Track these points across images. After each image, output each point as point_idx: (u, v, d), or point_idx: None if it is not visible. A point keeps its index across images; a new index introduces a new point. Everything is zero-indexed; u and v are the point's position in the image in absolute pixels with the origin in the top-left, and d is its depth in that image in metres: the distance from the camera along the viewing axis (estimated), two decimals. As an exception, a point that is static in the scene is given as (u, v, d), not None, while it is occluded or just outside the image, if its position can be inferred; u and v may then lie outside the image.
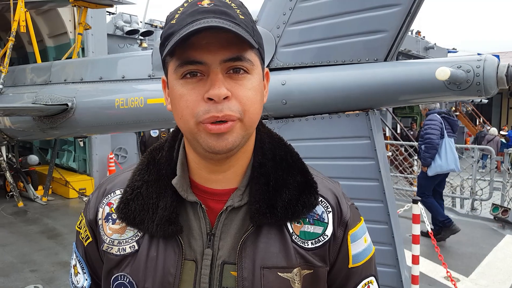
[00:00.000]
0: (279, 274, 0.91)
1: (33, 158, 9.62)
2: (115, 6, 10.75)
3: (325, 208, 0.99)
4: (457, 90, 2.08)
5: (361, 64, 2.37)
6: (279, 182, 0.96)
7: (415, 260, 4.61)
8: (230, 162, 0.94)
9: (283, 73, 2.60)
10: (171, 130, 1.12)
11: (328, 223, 0.98)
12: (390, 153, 10.24)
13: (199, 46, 0.82)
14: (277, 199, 0.93)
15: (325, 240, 0.96)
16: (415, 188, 9.63)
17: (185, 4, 0.88)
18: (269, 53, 2.64)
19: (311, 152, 2.48)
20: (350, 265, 1.01)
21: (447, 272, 4.23)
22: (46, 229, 7.11)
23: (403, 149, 10.45)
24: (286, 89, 2.55)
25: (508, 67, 2.01)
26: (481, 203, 8.38)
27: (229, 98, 0.83)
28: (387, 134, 13.48)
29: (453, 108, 21.98)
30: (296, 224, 0.95)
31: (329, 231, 0.97)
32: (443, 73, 1.92)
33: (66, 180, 9.15)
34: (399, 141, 11.39)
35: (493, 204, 7.68)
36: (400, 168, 10.00)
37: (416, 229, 4.71)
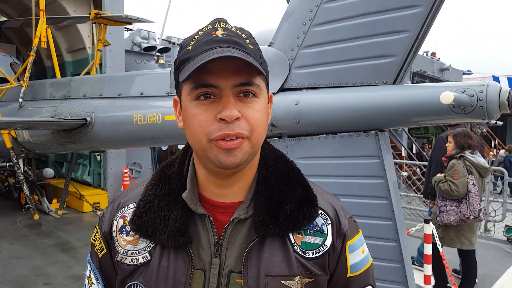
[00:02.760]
0: (282, 282, 0.97)
1: (49, 171, 9.68)
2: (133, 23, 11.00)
3: (325, 220, 1.05)
4: (462, 113, 2.16)
5: (371, 86, 2.46)
6: (282, 196, 1.02)
7: (427, 280, 4.59)
8: (236, 177, 1.01)
9: (296, 93, 2.71)
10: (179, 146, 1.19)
11: (327, 234, 1.04)
12: (406, 173, 10.20)
13: (214, 72, 0.90)
14: (279, 212, 1.00)
15: (324, 250, 1.02)
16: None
17: (200, 33, 0.95)
18: (283, 74, 2.75)
19: (322, 170, 2.55)
20: (349, 274, 1.06)
21: (458, 292, 4.20)
22: (60, 242, 7.13)
23: (418, 169, 10.39)
24: (299, 108, 2.65)
25: (509, 92, 2.09)
26: (494, 224, 8.27)
27: (239, 119, 0.91)
28: (403, 154, 13.36)
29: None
30: (297, 235, 1.02)
31: (328, 242, 1.03)
32: (447, 97, 2.02)
33: (80, 194, 9.22)
34: (415, 161, 11.37)
35: (506, 225, 7.58)
36: (414, 188, 9.94)
37: (428, 249, 4.70)
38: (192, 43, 0.94)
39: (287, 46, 2.75)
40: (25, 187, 7.77)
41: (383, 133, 2.50)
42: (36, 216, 8.11)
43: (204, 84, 0.91)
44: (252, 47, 0.95)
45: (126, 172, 10.24)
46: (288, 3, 2.92)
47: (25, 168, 8.95)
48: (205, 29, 0.96)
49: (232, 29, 0.96)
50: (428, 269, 4.61)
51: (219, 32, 0.93)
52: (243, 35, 0.96)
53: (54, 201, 9.53)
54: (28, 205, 8.35)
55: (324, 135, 2.61)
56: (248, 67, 0.90)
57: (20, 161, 8.20)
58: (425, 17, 2.30)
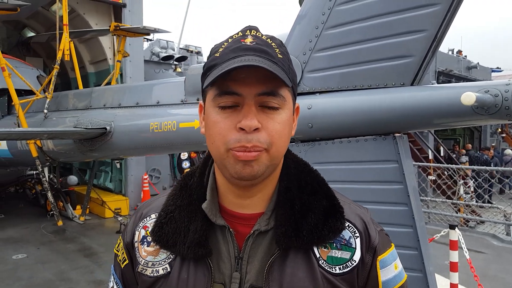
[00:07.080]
0: None
1: (73, 179, 9.97)
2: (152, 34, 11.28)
3: (353, 233, 1.00)
4: (485, 114, 2.05)
5: (387, 88, 2.38)
6: (305, 206, 0.98)
7: (453, 288, 4.42)
8: (257, 188, 0.98)
9: (309, 97, 2.65)
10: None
11: (356, 248, 0.98)
12: (433, 177, 9.85)
13: (238, 79, 0.89)
14: (302, 223, 0.96)
15: (353, 266, 0.97)
16: (461, 214, 9.16)
17: (230, 40, 0.95)
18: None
19: (337, 175, 2.48)
20: None
21: (487, 302, 4.01)
22: (83, 247, 7.37)
23: (446, 173, 9.95)
24: (312, 113, 2.59)
25: None
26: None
27: (259, 130, 0.89)
28: (430, 157, 12.94)
29: (499, 130, 21.02)
30: (323, 249, 0.97)
31: (357, 257, 0.98)
32: (468, 98, 1.90)
33: (102, 200, 9.46)
34: (443, 163, 10.99)
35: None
36: (438, 192, 9.59)
37: (454, 256, 4.52)
38: (221, 49, 0.93)
39: (300, 50, 2.69)
40: (49, 194, 8.02)
41: (401, 136, 2.41)
42: (60, 223, 8.39)
43: (227, 92, 0.90)
44: (281, 56, 0.92)
45: (146, 178, 10.50)
46: (300, 6, 2.87)
47: (50, 176, 9.25)
48: (235, 36, 0.95)
49: (263, 37, 0.94)
50: (454, 277, 4.44)
51: (248, 40, 0.92)
52: (273, 43, 0.94)
53: (78, 207, 9.80)
54: (52, 212, 8.63)
55: (339, 139, 2.54)
56: (273, 77, 0.88)
57: (46, 169, 8.45)
58: (443, 16, 2.21)
